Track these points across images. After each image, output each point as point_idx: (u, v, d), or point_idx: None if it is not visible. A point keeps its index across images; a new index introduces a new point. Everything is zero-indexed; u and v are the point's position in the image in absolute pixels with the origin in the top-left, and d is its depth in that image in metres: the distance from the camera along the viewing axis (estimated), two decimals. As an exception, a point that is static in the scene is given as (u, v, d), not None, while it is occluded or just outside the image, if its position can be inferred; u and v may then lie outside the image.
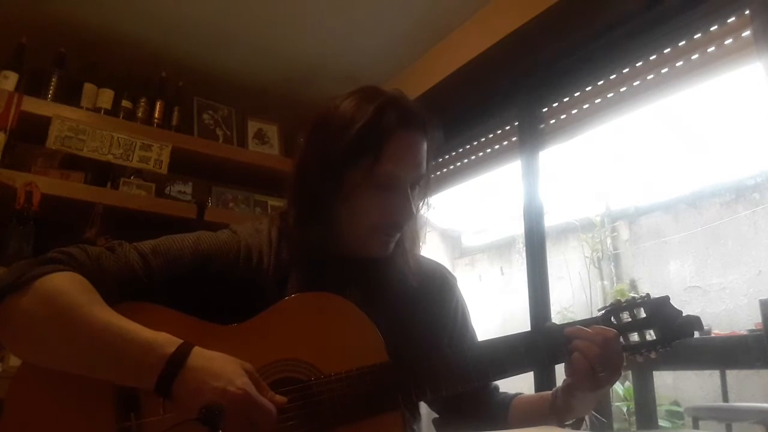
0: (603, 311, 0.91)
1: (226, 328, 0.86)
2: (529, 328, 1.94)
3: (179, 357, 0.74)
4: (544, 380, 1.82)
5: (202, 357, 0.75)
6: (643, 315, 0.89)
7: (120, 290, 0.84)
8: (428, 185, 1.02)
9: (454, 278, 1.12)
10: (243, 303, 0.88)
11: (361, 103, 0.93)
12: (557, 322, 0.96)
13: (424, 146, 0.96)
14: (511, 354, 0.87)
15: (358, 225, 0.94)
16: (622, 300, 0.91)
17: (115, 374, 0.77)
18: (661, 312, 0.88)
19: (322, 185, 0.92)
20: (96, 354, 0.76)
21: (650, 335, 0.88)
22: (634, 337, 0.89)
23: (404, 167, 0.92)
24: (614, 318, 0.90)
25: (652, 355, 0.87)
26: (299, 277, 0.94)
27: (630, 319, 0.89)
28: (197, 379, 0.72)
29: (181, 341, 0.76)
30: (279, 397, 0.77)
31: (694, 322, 0.87)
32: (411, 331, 0.95)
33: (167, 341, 0.75)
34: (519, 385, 1.06)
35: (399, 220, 0.94)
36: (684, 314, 0.88)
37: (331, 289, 0.90)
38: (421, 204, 1.03)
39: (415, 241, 1.04)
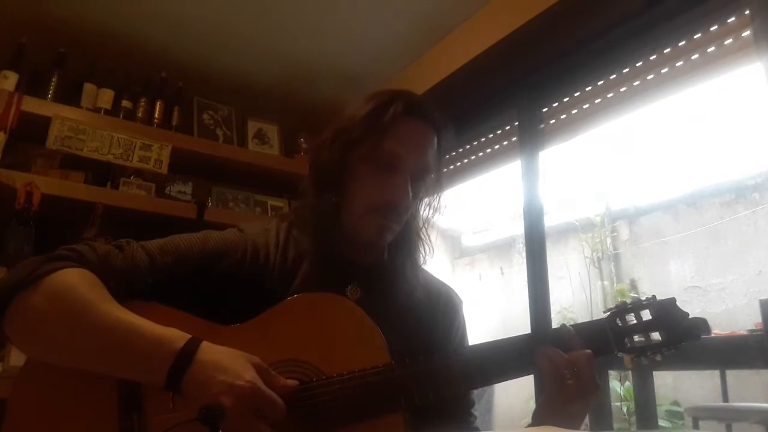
0: (608, 313, 0.90)
1: (230, 328, 0.86)
2: (528, 329, 1.96)
3: (188, 351, 0.74)
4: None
5: (211, 351, 0.75)
6: (649, 317, 0.87)
7: (127, 288, 0.84)
8: (437, 186, 1.02)
9: (461, 301, 1.11)
10: (248, 302, 0.88)
11: (373, 96, 1.00)
12: (559, 322, 0.95)
13: (432, 138, 0.98)
14: (516, 355, 0.86)
15: (356, 204, 0.95)
16: (628, 301, 0.90)
17: (125, 369, 0.77)
18: (667, 314, 0.86)
19: (332, 161, 0.96)
20: (105, 349, 0.77)
21: (656, 337, 0.86)
22: (640, 338, 0.87)
23: (405, 149, 0.94)
24: (619, 320, 0.88)
25: (658, 358, 0.86)
26: (304, 277, 0.94)
27: (635, 321, 0.88)
28: (205, 373, 0.72)
29: (190, 336, 0.76)
30: (291, 382, 0.78)
31: (701, 325, 0.86)
32: (408, 338, 0.94)
33: (176, 336, 0.76)
34: (521, 383, 1.05)
35: (393, 201, 0.94)
36: (690, 316, 0.86)
37: (333, 287, 0.90)
38: (426, 203, 1.03)
39: (418, 248, 1.04)
